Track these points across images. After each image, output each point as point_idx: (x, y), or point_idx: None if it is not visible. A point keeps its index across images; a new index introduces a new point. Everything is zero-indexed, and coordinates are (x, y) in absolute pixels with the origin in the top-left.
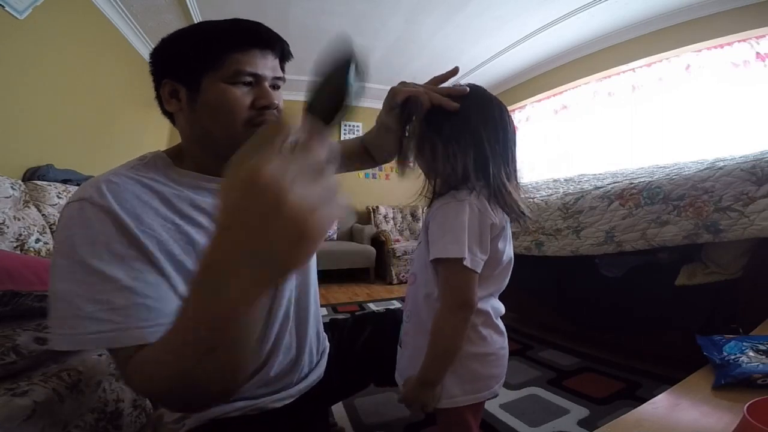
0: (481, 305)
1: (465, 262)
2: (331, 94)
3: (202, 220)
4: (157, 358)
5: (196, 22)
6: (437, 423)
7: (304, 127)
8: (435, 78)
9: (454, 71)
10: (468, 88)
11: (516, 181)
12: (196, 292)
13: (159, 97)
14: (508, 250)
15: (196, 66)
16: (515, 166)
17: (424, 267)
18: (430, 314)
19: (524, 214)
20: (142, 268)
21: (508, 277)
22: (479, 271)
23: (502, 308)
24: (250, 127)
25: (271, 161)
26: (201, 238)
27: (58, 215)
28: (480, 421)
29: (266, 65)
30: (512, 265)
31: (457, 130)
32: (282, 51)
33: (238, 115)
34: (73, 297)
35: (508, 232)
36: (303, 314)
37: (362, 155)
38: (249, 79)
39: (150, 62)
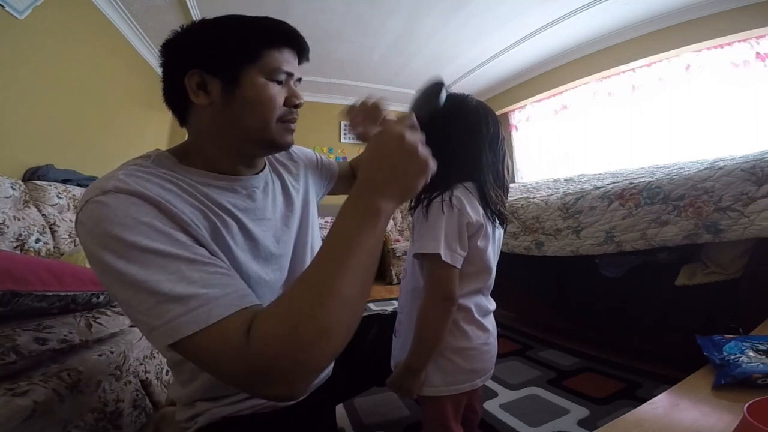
0: (463, 301)
1: (443, 258)
2: (427, 105)
3: (221, 213)
4: (292, 294)
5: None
6: (421, 410)
7: (413, 119)
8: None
9: None
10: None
11: (496, 183)
12: (360, 194)
13: (173, 89)
14: (491, 251)
15: (236, 58)
16: (493, 168)
17: (411, 262)
18: (414, 306)
19: (503, 215)
20: (194, 245)
21: (493, 276)
22: (459, 267)
23: (490, 306)
24: (281, 123)
25: (409, 133)
26: (224, 231)
27: (73, 221)
28: (461, 412)
29: (295, 65)
30: (495, 265)
31: (440, 138)
32: (307, 56)
33: (274, 110)
34: (148, 285)
35: (491, 233)
36: None
37: (351, 179)
38: (282, 77)
39: (166, 51)
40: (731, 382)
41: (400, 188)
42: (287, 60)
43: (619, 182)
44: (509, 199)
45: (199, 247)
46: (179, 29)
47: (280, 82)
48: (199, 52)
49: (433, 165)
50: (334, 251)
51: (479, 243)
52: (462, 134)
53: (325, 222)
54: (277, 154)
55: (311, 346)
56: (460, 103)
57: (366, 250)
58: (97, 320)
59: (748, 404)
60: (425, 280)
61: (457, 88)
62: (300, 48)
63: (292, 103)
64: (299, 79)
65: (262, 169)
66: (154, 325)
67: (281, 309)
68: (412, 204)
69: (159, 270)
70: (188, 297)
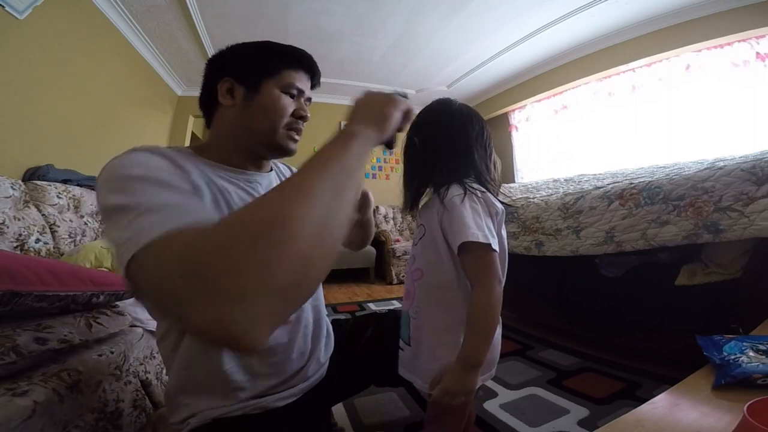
0: None
1: (491, 245)
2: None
3: (224, 193)
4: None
5: (196, 22)
6: (433, 407)
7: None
8: None
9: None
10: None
11: (487, 176)
12: (349, 126)
13: (208, 93)
14: (506, 239)
15: (261, 72)
16: (482, 163)
17: (436, 260)
18: (447, 306)
19: (508, 204)
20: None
21: (506, 267)
22: (498, 251)
23: None
24: (287, 130)
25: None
26: (223, 206)
27: (74, 220)
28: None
29: (307, 86)
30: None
31: (432, 140)
32: (318, 81)
33: (283, 118)
34: (140, 204)
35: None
36: (317, 326)
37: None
38: (294, 92)
39: (210, 62)
40: (731, 382)
41: (372, 112)
42: (300, 80)
43: (619, 182)
44: (509, 199)
45: (194, 195)
46: (230, 46)
47: (292, 96)
48: (233, 64)
49: (402, 99)
50: (304, 166)
51: (503, 231)
52: (452, 134)
53: None
54: (280, 166)
55: (260, 237)
56: (445, 107)
57: (337, 164)
58: (97, 320)
59: (748, 404)
60: (473, 270)
61: (457, 88)
62: (313, 72)
63: (298, 115)
64: (309, 99)
65: (269, 171)
66: (126, 237)
67: (241, 209)
68: (407, 204)
69: (155, 193)
70: (168, 206)
